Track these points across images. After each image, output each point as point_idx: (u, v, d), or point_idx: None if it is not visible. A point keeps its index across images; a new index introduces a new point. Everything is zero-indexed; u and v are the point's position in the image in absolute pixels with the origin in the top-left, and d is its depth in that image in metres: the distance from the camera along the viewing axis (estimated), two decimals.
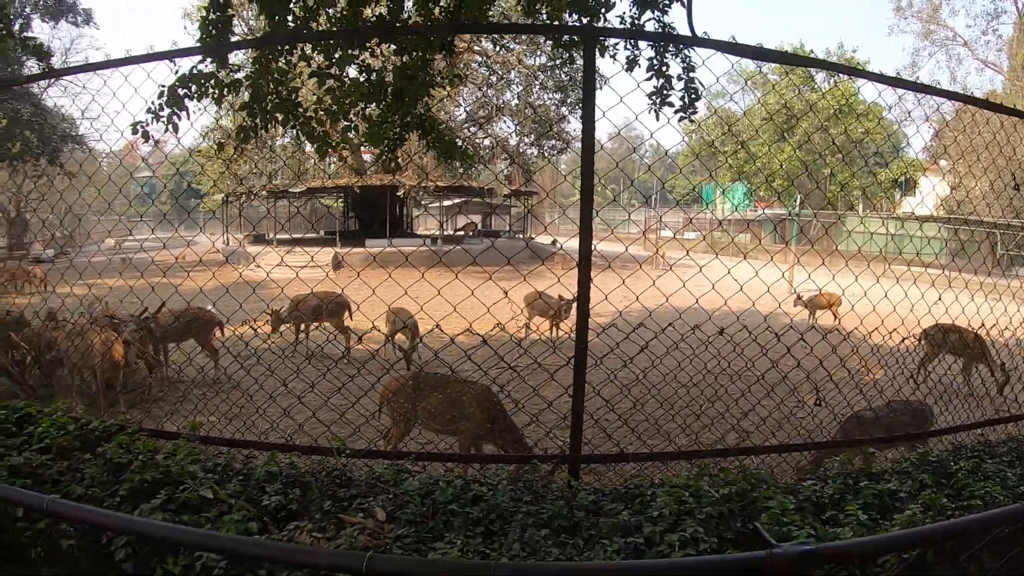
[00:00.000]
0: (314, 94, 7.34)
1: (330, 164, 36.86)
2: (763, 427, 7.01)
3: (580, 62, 5.04)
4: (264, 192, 34.12)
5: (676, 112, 8.41)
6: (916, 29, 57.82)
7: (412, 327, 12.07)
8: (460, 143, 9.79)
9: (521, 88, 37.01)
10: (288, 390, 6.15)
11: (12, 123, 29.50)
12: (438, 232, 38.26)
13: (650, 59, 8.25)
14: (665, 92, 8.46)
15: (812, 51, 57.29)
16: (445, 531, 3.14)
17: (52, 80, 30.71)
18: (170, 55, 6.23)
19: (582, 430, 4.52)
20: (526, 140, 38.40)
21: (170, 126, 6.44)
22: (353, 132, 8.04)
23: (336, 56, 6.90)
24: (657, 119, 8.77)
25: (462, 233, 38.56)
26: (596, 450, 5.74)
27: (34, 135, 30.52)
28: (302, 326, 13.86)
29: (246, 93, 6.72)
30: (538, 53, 34.70)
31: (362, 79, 7.37)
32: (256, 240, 35.02)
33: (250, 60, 7.28)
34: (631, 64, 8.05)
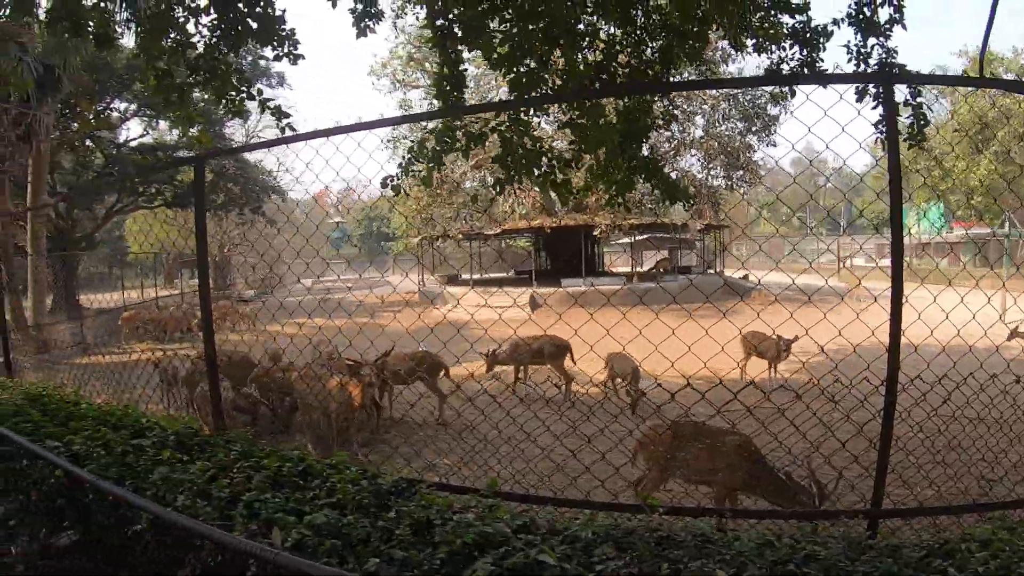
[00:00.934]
0: (549, 145, 7.65)
1: (518, 207, 37.74)
2: None
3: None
4: (460, 235, 35.24)
5: (906, 140, 8.39)
6: None
7: (634, 374, 11.78)
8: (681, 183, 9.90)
9: (706, 119, 36.82)
10: (527, 436, 6.27)
11: (217, 176, 32.69)
12: (630, 270, 38.17)
13: (876, 87, 8.28)
14: (894, 120, 8.42)
15: (1001, 53, 53.89)
16: None
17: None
18: (412, 119, 6.78)
19: (884, 483, 4.54)
20: (712, 172, 38.05)
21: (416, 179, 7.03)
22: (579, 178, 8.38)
23: (582, 107, 7.25)
24: (883, 149, 8.76)
25: (657, 271, 38.35)
26: (898, 504, 5.66)
27: (237, 187, 33.75)
28: (521, 368, 13.67)
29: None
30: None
31: (588, 124, 7.53)
32: (450, 280, 36.15)
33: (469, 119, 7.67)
34: (861, 94, 8.08)
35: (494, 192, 7.78)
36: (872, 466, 4.67)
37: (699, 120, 36.92)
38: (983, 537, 3.63)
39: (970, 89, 42.50)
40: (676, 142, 35.81)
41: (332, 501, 3.89)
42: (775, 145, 38.00)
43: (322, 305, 6.87)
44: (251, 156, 36.51)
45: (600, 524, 3.70)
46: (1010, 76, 49.59)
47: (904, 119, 8.35)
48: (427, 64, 34.87)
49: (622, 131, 7.85)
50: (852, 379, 5.43)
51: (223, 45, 7.51)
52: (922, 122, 8.25)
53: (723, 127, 36.55)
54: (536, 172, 7.43)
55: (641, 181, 8.78)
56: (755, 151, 36.82)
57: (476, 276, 36.35)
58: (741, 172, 36.73)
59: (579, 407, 9.24)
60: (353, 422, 9.71)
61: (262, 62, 31.82)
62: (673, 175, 36.30)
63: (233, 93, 7.85)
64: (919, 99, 8.42)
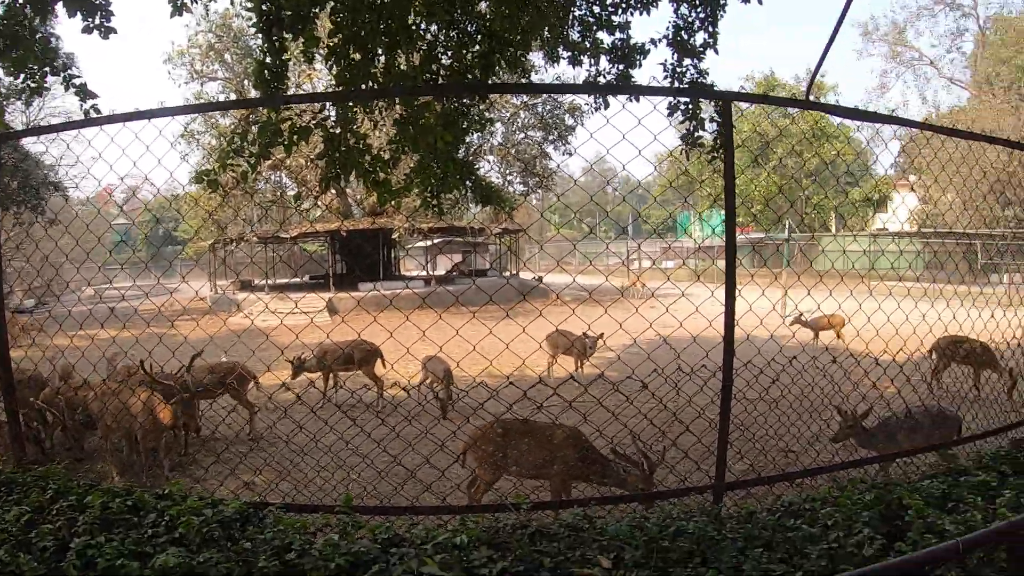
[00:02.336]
0: (369, 143, 7.50)
1: (311, 210, 36.91)
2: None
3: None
4: (254, 238, 33.93)
5: (708, 152, 8.96)
6: (883, 51, 59.69)
7: (446, 376, 11.71)
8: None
9: (504, 126, 37.53)
10: (347, 444, 6.35)
11: None
12: (425, 273, 38.21)
13: (686, 103, 8.80)
14: (696, 134, 9.01)
15: (784, 80, 58.85)
16: (666, 567, 3.24)
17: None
18: (226, 106, 6.44)
19: (726, 459, 4.79)
20: (508, 178, 38.84)
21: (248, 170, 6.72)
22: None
23: (409, 105, 7.17)
24: (688, 159, 9.35)
25: (452, 273, 38.63)
26: (739, 479, 5.98)
27: (15, 182, 30.29)
28: (330, 376, 13.29)
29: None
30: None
31: (412, 123, 7.38)
32: (244, 286, 34.75)
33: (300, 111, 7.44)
34: (673, 109, 8.57)
35: (321, 189, 7.50)
36: (713, 444, 5.10)
37: (499, 127, 37.49)
38: (823, 496, 3.97)
39: (750, 108, 45.87)
40: (475, 148, 36.20)
41: (175, 537, 3.64)
42: (570, 155, 39.14)
43: (115, 314, 6.44)
44: (33, 147, 33.28)
45: (471, 528, 3.67)
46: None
47: (708, 134, 8.95)
48: (227, 55, 33.61)
49: (442, 132, 7.84)
50: (664, 368, 5.84)
51: (29, 9, 6.76)
52: (725, 138, 8.85)
53: (521, 136, 37.38)
54: (358, 170, 7.27)
55: (458, 182, 8.79)
56: (550, 159, 37.89)
57: (270, 282, 35.08)
58: (536, 179, 37.65)
59: (400, 411, 9.12)
60: (161, 444, 8.72)
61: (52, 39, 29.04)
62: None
63: (35, 66, 6.98)
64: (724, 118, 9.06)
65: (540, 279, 32.67)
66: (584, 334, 13.34)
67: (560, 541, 3.46)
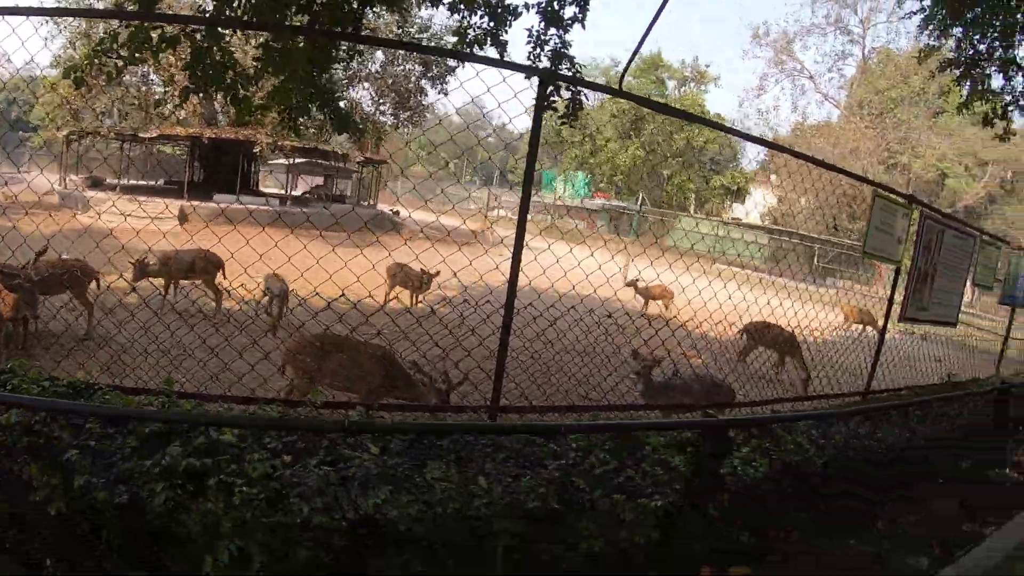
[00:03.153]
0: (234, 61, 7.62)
1: (174, 112, 35.27)
2: (618, 388, 8.31)
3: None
4: (112, 134, 32.39)
5: (560, 118, 9.55)
6: (768, 56, 62.05)
7: (281, 295, 11.85)
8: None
9: (385, 55, 37.02)
10: (184, 349, 6.64)
11: None
12: (284, 192, 37.43)
13: (545, 68, 9.32)
14: (552, 99, 9.56)
15: (670, 62, 60.59)
16: (427, 459, 3.86)
17: None
18: (98, 15, 6.39)
19: (501, 387, 5.46)
20: (382, 108, 38.53)
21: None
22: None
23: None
24: (540, 123, 9.89)
25: (311, 196, 37.97)
26: (512, 403, 6.60)
27: None
28: (172, 282, 13.02)
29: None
30: (410, 24, 34.81)
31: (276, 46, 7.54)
32: (95, 184, 33.02)
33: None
34: (568, 78, 9.09)
35: (180, 100, 7.59)
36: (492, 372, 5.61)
37: (379, 55, 37.00)
38: (575, 424, 4.75)
39: (633, 81, 46.99)
40: (352, 72, 35.69)
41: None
42: (446, 94, 39.03)
43: None
44: None
45: (268, 415, 4.26)
46: (672, 82, 56.17)
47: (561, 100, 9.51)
48: None
49: (308, 59, 8.02)
50: (478, 302, 6.36)
51: None
52: (577, 107, 9.47)
53: (400, 67, 37.02)
54: (219, 85, 7.42)
55: (316, 107, 8.97)
56: (426, 95, 37.73)
57: (124, 182, 33.47)
58: (409, 113, 37.43)
59: (234, 323, 9.38)
60: (1, 335, 8.74)
61: None
62: (342, 104, 36.22)
63: None
64: (580, 87, 9.64)
65: (397, 213, 32.77)
66: (421, 270, 13.76)
67: (343, 431, 3.98)
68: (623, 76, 8.18)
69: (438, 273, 13.14)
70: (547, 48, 9.63)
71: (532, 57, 9.62)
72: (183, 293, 12.66)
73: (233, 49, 7.62)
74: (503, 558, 3.57)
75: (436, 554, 3.46)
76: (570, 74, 9.61)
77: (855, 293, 13.60)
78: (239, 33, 8.44)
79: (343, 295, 6.97)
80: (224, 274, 12.69)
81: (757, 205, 45.33)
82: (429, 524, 3.43)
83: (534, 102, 5.32)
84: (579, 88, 9.33)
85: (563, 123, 9.41)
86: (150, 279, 12.49)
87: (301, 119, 8.95)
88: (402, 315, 10.81)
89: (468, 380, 6.83)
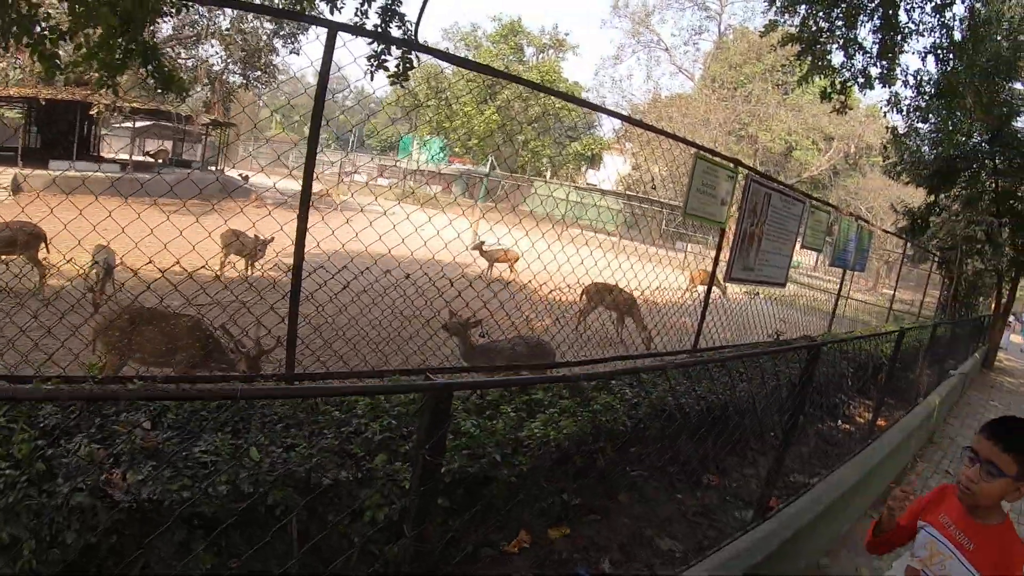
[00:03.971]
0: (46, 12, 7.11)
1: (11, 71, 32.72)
2: (440, 351, 8.27)
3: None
4: None
5: (389, 77, 9.29)
6: (627, 28, 63.53)
7: (105, 265, 11.09)
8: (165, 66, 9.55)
9: (235, 12, 35.35)
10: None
11: None
12: (128, 157, 35.47)
13: (375, 26, 9.04)
14: (384, 57, 9.30)
15: (529, 29, 61.02)
16: (201, 432, 3.66)
17: None
18: None
19: (295, 354, 5.23)
20: (232, 68, 36.96)
21: None
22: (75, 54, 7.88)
23: None
24: (371, 80, 9.60)
25: (153, 160, 36.23)
26: (306, 371, 6.30)
27: None
28: None
29: None
30: None
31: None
32: None
33: None
34: (358, 29, 8.76)
35: None
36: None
37: (228, 11, 35.28)
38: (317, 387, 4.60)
39: (492, 44, 46.73)
40: (200, 28, 34.01)
41: None
42: (298, 53, 37.63)
43: None
44: None
45: (50, 390, 3.86)
46: (531, 49, 56.64)
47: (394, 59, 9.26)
48: None
49: (123, 12, 7.56)
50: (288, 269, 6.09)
51: None
52: (408, 66, 9.21)
53: (251, 24, 35.44)
54: (25, 38, 6.89)
55: (137, 66, 8.51)
56: (277, 54, 36.42)
57: None
58: (259, 73, 36.07)
59: (63, 299, 8.78)
60: None
61: None
62: (190, 63, 34.64)
63: None
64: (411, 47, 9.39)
65: (246, 178, 31.78)
66: (256, 236, 13.44)
67: (119, 405, 3.79)
68: (418, 23, 8.00)
69: (272, 239, 12.81)
70: (376, 4, 9.35)
71: (359, 13, 9.32)
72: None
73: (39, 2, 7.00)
74: (278, 533, 3.39)
75: (210, 532, 3.23)
76: (401, 33, 9.30)
77: (703, 256, 14.09)
78: None
79: (179, 265, 6.50)
80: (48, 248, 11.96)
81: (611, 173, 46.27)
82: (199, 501, 3.21)
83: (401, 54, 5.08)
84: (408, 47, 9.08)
85: (393, 83, 9.16)
86: None
87: (120, 76, 8.37)
88: (237, 285, 10.43)
89: (280, 346, 6.52)
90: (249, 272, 14.60)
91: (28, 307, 6.45)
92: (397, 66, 9.18)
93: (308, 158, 4.82)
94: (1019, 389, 22.69)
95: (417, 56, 8.95)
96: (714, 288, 9.15)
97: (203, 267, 6.69)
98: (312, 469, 3.49)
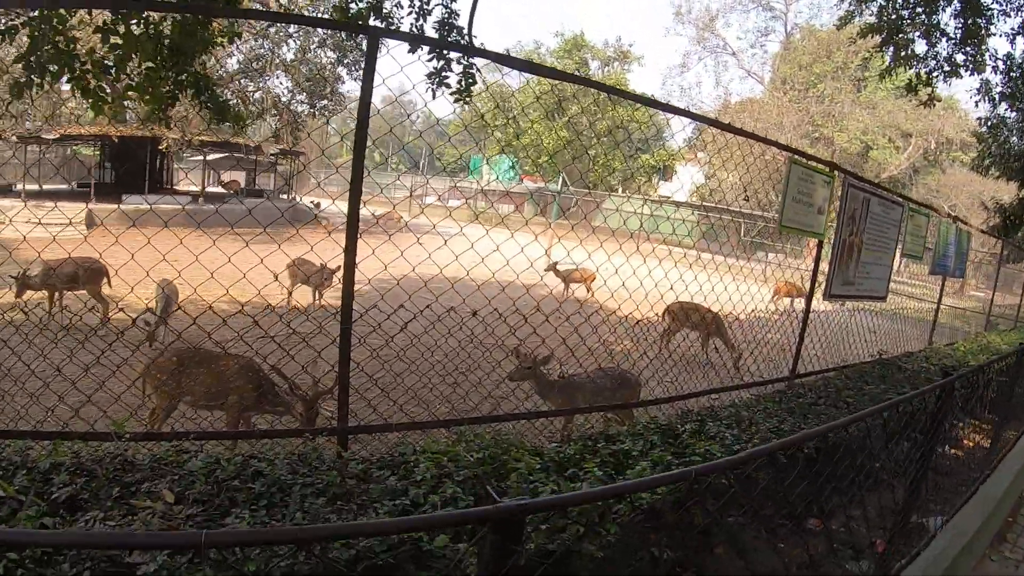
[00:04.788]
0: (90, 46, 6.92)
1: (87, 109, 33.22)
2: (514, 395, 7.54)
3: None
4: (13, 136, 30.44)
5: (452, 94, 8.86)
6: (691, 34, 62.84)
7: (162, 299, 11.09)
8: (232, 99, 9.36)
9: (299, 43, 35.62)
10: (50, 368, 5.72)
11: None
12: (199, 189, 35.85)
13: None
14: (444, 74, 8.88)
15: (593, 43, 60.54)
16: (231, 507, 3.19)
17: None
18: None
19: (348, 403, 4.69)
20: (299, 98, 37.16)
21: None
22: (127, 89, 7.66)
23: (122, 11, 6.58)
24: (434, 98, 9.17)
25: (225, 192, 36.55)
26: (362, 422, 5.72)
27: None
28: (56, 294, 12.35)
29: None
30: (321, 9, 33.40)
31: (139, 32, 6.92)
32: (2, 191, 31.13)
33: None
34: (415, 45, 8.34)
35: (11, 96, 6.79)
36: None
37: (292, 42, 35.52)
38: (439, 450, 4.00)
39: (556, 60, 46.26)
40: (265, 61, 34.25)
41: None
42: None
43: None
44: None
45: (64, 452, 3.60)
46: (595, 63, 56.17)
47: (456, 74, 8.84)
48: None
49: (172, 44, 7.31)
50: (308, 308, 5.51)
51: None
52: (470, 81, 8.76)
53: (315, 54, 35.60)
54: (68, 76, 6.65)
55: (190, 98, 8.26)
56: (343, 82, 36.51)
57: (32, 187, 31.67)
58: (326, 102, 36.16)
59: (127, 337, 8.46)
60: None
61: None
62: (258, 95, 34.92)
63: None
64: (471, 60, 8.94)
65: (317, 204, 31.80)
66: (323, 265, 13.15)
67: (141, 472, 3.41)
68: (470, 25, 7.52)
69: (339, 268, 12.41)
70: (431, 16, 8.98)
71: (415, 28, 8.93)
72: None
73: (75, 36, 6.78)
74: None
75: None
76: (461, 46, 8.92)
77: (786, 267, 13.26)
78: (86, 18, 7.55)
79: (230, 296, 6.04)
80: (110, 283, 12.18)
81: (684, 184, 45.36)
82: None
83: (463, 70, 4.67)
84: (471, 61, 8.62)
85: (456, 100, 8.74)
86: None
87: (172, 109, 8.14)
88: (295, 317, 10.01)
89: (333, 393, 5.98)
90: (317, 302, 14.27)
91: (89, 346, 6.00)
92: (459, 82, 8.78)
93: (354, 172, 4.28)
94: None
95: (479, 70, 8.54)
96: (800, 301, 8.49)
97: (256, 297, 6.13)
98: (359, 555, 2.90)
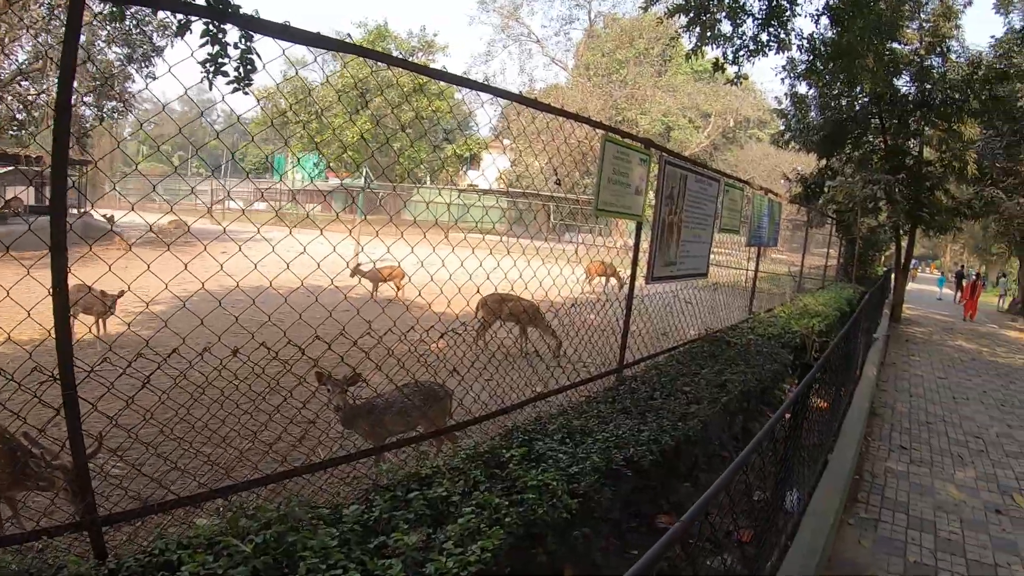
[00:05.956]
0: None
1: None
2: (306, 439, 6.18)
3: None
4: None
5: (229, 83, 7.85)
6: (496, 23, 63.03)
7: None
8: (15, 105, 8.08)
9: (84, 38, 32.62)
10: None
11: None
12: None
13: (206, 23, 7.56)
14: (220, 60, 7.86)
15: (397, 33, 59.89)
16: None
17: None
18: None
19: (91, 486, 3.53)
20: (84, 100, 34.30)
21: None
22: None
23: None
24: (210, 88, 8.11)
25: (8, 210, 33.24)
26: (112, 510, 4.30)
27: None
28: None
29: None
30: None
31: None
32: None
33: None
34: (182, 29, 7.26)
35: None
36: None
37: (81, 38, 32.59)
38: (206, 535, 3.15)
39: (353, 58, 45.10)
40: (44, 61, 31.30)
41: None
42: (155, 78, 34.90)
43: None
44: None
45: None
46: (398, 53, 55.39)
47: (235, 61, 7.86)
48: None
49: None
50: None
51: None
52: (248, 67, 7.81)
53: (97, 49, 32.79)
54: None
55: None
56: (134, 82, 33.95)
57: None
58: (115, 103, 33.45)
59: None
60: None
61: None
62: (34, 96, 31.96)
63: None
64: (249, 44, 7.99)
65: (111, 218, 29.49)
66: (103, 292, 11.60)
67: None
68: None
69: (122, 293, 11.07)
70: None
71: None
72: None
73: None
74: None
75: None
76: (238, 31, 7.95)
77: (596, 246, 13.18)
78: None
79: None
80: None
81: (488, 169, 45.54)
82: None
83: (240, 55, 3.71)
84: (250, 46, 7.63)
85: (235, 90, 7.73)
86: None
87: None
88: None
89: (102, 446, 4.74)
90: (100, 332, 12.54)
91: None
92: (237, 69, 7.81)
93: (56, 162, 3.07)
94: (931, 338, 23.54)
95: (258, 55, 7.60)
96: (615, 279, 8.10)
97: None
98: None
